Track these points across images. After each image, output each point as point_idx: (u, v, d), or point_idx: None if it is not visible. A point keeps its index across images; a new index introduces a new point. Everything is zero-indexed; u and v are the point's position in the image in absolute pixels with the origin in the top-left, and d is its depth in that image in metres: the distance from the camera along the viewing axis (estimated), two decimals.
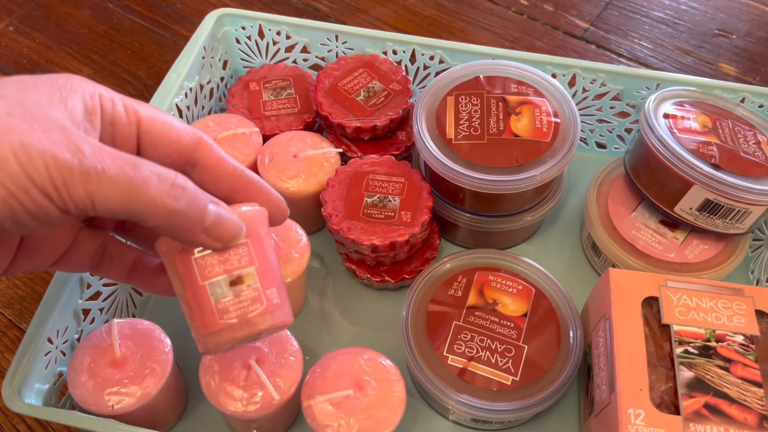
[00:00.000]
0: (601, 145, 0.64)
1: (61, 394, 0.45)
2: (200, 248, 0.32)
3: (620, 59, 0.74)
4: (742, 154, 0.50)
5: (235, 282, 0.32)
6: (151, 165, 0.28)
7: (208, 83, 0.61)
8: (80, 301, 0.46)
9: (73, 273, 0.43)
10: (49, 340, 0.43)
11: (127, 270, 0.38)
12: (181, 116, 0.56)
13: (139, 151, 0.32)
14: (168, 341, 0.44)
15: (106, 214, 0.27)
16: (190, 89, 0.57)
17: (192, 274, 0.32)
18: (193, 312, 0.32)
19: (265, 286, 0.33)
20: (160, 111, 0.33)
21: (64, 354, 0.45)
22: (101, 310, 0.48)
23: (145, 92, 0.69)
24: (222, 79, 0.63)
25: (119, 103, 0.31)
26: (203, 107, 0.60)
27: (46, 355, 0.43)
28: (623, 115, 0.61)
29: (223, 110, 0.64)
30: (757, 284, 0.54)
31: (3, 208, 0.25)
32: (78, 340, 0.46)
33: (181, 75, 0.56)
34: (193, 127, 0.34)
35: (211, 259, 0.32)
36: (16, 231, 0.27)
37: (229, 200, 0.33)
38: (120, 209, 0.27)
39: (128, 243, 0.39)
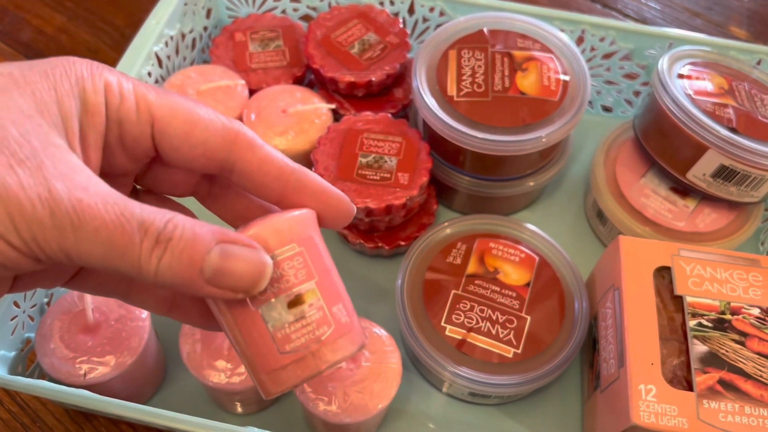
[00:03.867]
0: (607, 109, 0.61)
1: (30, 362, 0.42)
2: None
3: (627, 20, 0.70)
4: (760, 117, 0.47)
5: (294, 303, 0.25)
6: (141, 210, 0.22)
7: (190, 32, 0.56)
8: None
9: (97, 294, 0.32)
10: (16, 304, 0.40)
11: (166, 302, 0.30)
12: (161, 66, 0.52)
13: (156, 152, 0.26)
14: None
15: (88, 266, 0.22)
16: (171, 37, 0.53)
17: (239, 300, 0.25)
18: (249, 348, 0.25)
19: (330, 304, 0.26)
20: (184, 101, 0.26)
21: (32, 319, 0.42)
22: None
23: (122, 42, 0.64)
24: (206, 28, 0.59)
25: (130, 96, 0.25)
26: (185, 58, 0.56)
27: (12, 320, 0.40)
28: (631, 77, 0.58)
29: (206, 62, 0.60)
30: None
31: None
32: (48, 304, 0.43)
33: (161, 21, 0.52)
34: (228, 117, 0.27)
35: None
36: None
37: (280, 206, 0.27)
38: (102, 267, 0.22)
39: None
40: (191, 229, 0.23)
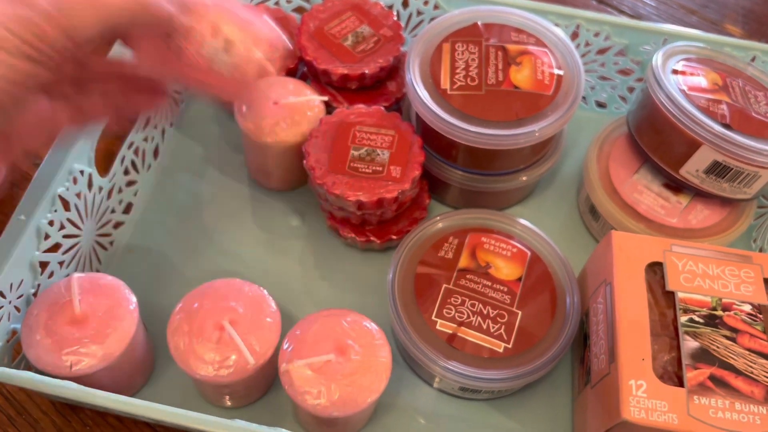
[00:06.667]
0: (601, 105, 0.61)
1: (15, 353, 0.42)
2: None
3: (621, 16, 0.70)
4: (753, 114, 0.47)
5: None
6: None
7: None
8: (37, 252, 0.42)
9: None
10: (1, 295, 0.39)
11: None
12: None
13: None
14: (133, 298, 0.40)
15: (93, 41, 0.27)
16: None
17: None
18: None
19: None
20: None
21: (18, 310, 0.41)
22: (61, 263, 0.44)
23: None
24: None
25: None
26: None
27: None
28: (626, 73, 0.58)
29: None
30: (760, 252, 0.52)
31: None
32: (34, 295, 0.42)
33: None
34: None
35: None
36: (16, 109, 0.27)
37: None
38: (101, 28, 0.27)
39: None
40: None
